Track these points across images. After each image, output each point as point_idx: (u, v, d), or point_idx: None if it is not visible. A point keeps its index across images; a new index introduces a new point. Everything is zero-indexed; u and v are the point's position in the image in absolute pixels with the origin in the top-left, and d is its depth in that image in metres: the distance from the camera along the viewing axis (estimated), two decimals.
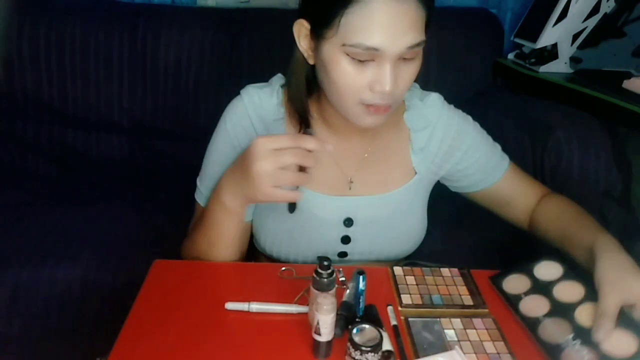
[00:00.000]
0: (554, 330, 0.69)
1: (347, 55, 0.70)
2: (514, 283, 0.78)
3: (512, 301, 0.75)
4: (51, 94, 1.55)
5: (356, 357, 0.61)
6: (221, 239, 0.82)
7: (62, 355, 1.22)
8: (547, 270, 0.78)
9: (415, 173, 0.90)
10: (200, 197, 0.90)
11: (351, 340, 0.61)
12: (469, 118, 0.93)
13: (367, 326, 0.63)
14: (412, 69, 0.74)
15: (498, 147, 0.95)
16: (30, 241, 1.21)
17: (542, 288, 0.76)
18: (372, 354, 0.60)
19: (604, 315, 0.66)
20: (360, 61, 0.70)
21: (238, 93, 0.87)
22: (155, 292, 0.75)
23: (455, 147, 0.90)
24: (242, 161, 0.73)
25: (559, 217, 0.88)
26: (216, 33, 1.54)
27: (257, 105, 0.85)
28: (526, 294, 0.75)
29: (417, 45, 0.70)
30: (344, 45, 0.69)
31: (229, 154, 0.85)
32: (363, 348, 0.60)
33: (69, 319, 1.18)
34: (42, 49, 1.52)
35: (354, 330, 0.63)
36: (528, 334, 0.71)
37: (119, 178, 1.56)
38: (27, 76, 1.54)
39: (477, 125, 0.93)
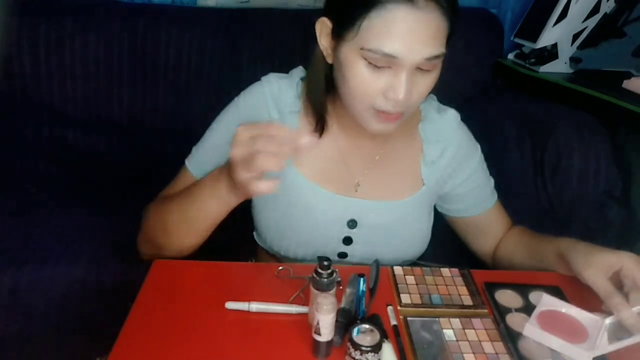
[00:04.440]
0: (533, 349, 0.69)
1: (365, 59, 0.70)
2: (507, 297, 0.78)
3: (501, 311, 0.75)
4: (51, 94, 1.55)
5: (356, 357, 0.61)
6: (196, 222, 0.79)
7: (62, 355, 1.22)
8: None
9: (424, 184, 0.90)
10: (192, 162, 0.88)
11: (351, 340, 0.61)
12: (478, 145, 0.94)
13: (367, 326, 0.63)
14: (429, 80, 0.73)
15: (492, 181, 0.97)
16: (30, 241, 1.21)
17: (532, 311, 0.74)
18: (372, 354, 0.60)
19: (605, 295, 0.70)
20: (376, 67, 0.70)
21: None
22: (155, 292, 0.75)
23: (460, 169, 0.91)
24: None
25: (521, 240, 0.93)
26: (216, 33, 1.53)
27: (276, 95, 0.85)
28: (517, 310, 0.75)
29: (436, 57, 0.70)
30: (362, 49, 0.69)
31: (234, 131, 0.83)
32: (363, 348, 0.60)
33: (69, 319, 1.17)
34: (42, 49, 1.52)
35: (355, 331, 0.63)
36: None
37: (119, 178, 1.56)
38: (27, 76, 1.53)
39: (482, 155, 0.95)
